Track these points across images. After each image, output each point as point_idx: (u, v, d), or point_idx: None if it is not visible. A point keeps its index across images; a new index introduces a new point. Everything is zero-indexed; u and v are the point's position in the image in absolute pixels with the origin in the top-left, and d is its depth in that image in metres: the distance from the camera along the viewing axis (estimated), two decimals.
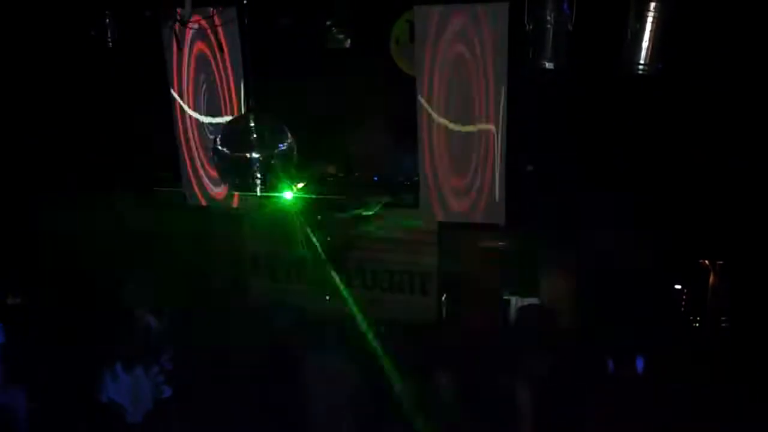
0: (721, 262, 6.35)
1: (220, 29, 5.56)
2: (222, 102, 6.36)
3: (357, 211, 6.73)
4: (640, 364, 5.22)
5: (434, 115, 6.05)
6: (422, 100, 6.01)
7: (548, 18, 5.00)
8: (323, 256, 6.75)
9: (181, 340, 6.06)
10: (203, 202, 6.83)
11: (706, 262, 6.38)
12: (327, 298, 6.90)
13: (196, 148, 6.65)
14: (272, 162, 4.20)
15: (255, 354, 5.61)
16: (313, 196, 6.74)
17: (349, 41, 6.65)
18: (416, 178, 6.42)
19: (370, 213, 6.76)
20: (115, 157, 7.52)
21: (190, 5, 4.75)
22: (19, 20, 6.44)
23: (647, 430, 5.34)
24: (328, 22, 6.30)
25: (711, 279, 6.35)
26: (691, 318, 6.46)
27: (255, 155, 4.17)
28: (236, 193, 6.34)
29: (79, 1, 5.45)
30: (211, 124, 6.42)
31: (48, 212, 7.49)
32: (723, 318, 6.33)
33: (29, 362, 5.73)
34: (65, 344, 5.77)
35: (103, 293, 6.39)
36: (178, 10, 5.07)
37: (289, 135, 4.38)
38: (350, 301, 6.82)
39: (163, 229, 7.19)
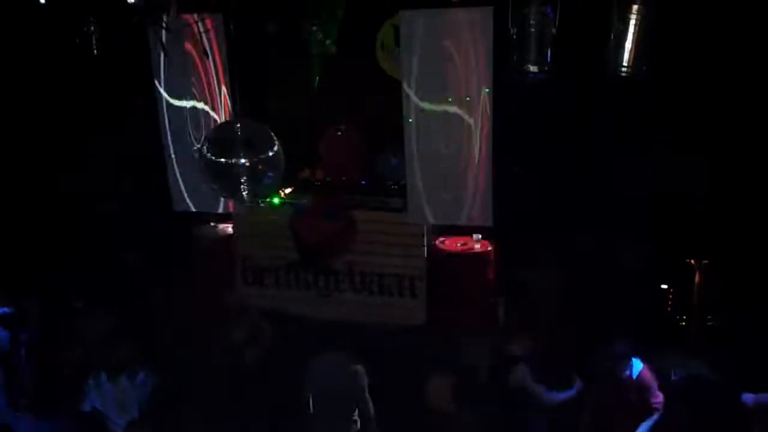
0: (706, 262, 6.39)
1: (205, 35, 5.57)
2: (208, 107, 6.38)
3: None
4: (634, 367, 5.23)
5: (421, 119, 6.08)
6: (408, 104, 6.04)
7: (532, 21, 5.03)
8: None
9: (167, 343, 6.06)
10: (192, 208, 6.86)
11: (692, 261, 6.42)
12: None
13: (184, 154, 6.67)
14: (259, 167, 4.21)
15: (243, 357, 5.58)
16: (300, 201, 6.76)
17: (334, 46, 6.66)
18: (404, 182, 6.45)
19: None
20: (102, 163, 7.50)
21: (176, 12, 4.75)
22: (2, 28, 6.41)
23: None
24: (313, 28, 6.31)
25: (697, 278, 6.39)
26: (678, 317, 6.50)
27: (241, 161, 4.17)
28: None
29: (64, 8, 5.43)
30: (197, 129, 6.43)
31: (35, 219, 7.47)
32: (709, 317, 6.37)
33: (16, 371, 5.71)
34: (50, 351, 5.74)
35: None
36: (164, 16, 5.06)
37: (276, 140, 4.39)
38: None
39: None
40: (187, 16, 5.35)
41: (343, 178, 7.05)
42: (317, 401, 5.11)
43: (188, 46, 6.06)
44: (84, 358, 5.56)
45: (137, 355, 5.17)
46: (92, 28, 5.78)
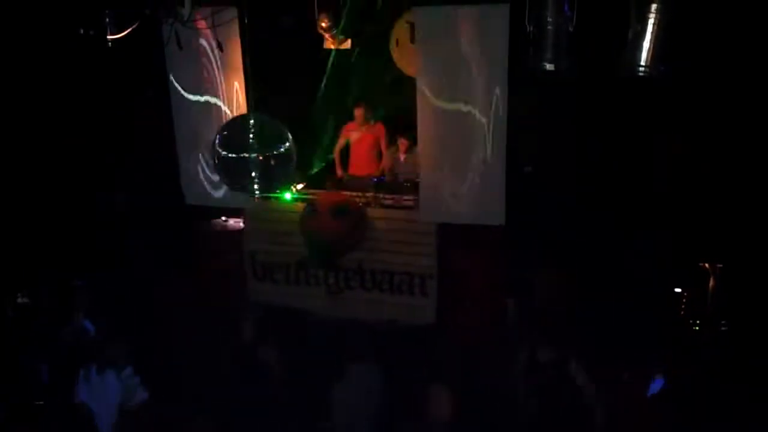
0: (721, 266, 6.33)
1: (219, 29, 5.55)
2: (221, 101, 6.36)
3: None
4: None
5: (434, 116, 6.04)
6: (422, 102, 6.00)
7: (549, 19, 4.98)
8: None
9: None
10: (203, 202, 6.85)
11: (707, 265, 6.36)
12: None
13: (196, 148, 6.66)
14: (271, 163, 4.19)
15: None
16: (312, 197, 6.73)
17: (349, 42, 6.65)
18: (417, 179, 6.42)
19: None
20: (115, 155, 7.52)
21: (191, 4, 4.73)
22: (17, 20, 6.42)
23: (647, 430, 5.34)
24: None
25: (711, 282, 6.33)
26: (691, 321, 6.44)
27: (254, 156, 4.15)
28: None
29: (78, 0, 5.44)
30: (210, 123, 6.41)
31: (46, 211, 7.49)
32: (723, 321, 6.31)
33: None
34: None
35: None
36: (179, 8, 5.05)
37: (289, 136, 4.36)
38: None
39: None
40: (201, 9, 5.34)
41: (357, 175, 7.03)
42: (345, 413, 5.03)
43: (202, 38, 6.05)
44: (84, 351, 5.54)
45: (129, 353, 5.10)
46: (106, 20, 5.77)
